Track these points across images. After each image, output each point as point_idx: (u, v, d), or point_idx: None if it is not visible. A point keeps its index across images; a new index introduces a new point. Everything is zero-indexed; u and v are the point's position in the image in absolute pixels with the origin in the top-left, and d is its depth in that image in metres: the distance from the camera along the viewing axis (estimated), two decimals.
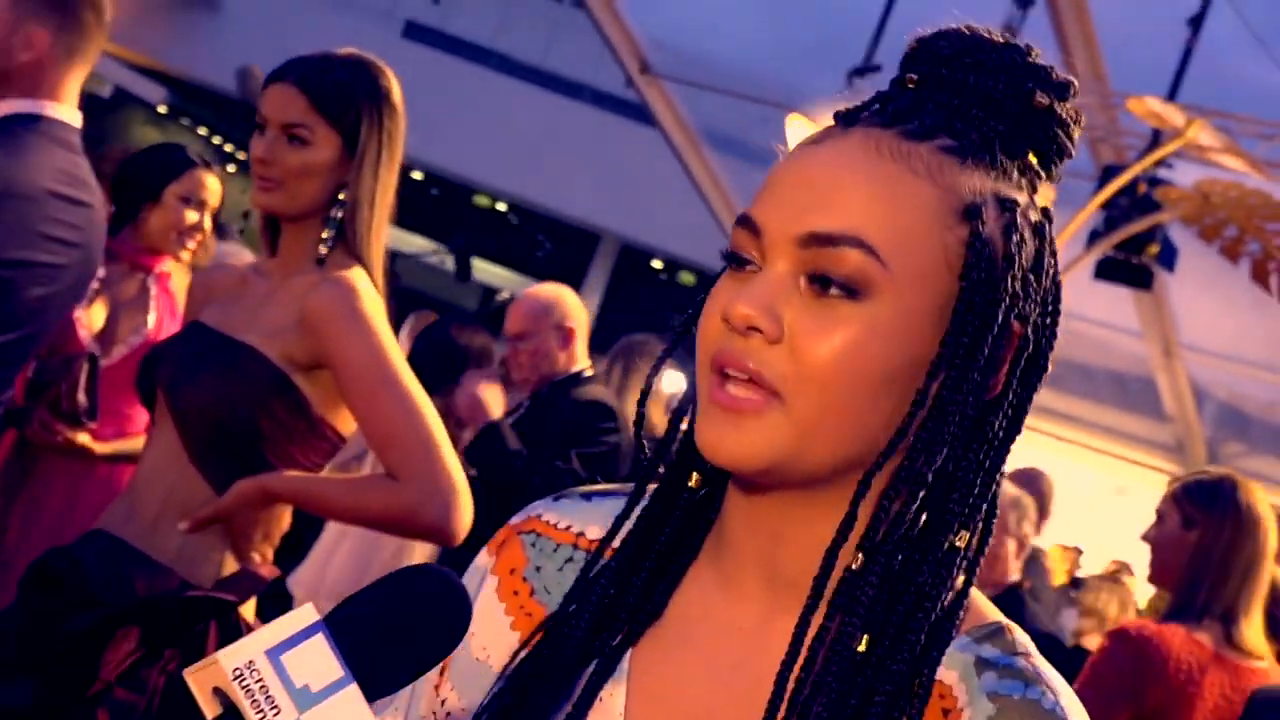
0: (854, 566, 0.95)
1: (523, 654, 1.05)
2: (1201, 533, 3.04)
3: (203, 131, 19.78)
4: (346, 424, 2.31)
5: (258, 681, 0.84)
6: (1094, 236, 6.54)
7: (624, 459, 4.17)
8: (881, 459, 0.95)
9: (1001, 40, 1.00)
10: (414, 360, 4.61)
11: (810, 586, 0.97)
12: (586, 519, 1.11)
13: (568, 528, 1.12)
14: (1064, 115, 1.01)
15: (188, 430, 2.23)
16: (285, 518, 2.33)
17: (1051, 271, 0.99)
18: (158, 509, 2.23)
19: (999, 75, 0.99)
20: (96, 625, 2.09)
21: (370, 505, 2.19)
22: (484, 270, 19.42)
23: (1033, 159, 1.01)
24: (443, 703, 1.10)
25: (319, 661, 0.86)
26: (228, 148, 18.95)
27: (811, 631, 0.96)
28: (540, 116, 17.53)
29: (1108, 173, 6.45)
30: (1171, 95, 6.61)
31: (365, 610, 0.89)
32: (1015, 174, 0.99)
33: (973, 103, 0.99)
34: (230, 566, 2.24)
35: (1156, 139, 6.13)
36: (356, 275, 2.26)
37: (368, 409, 2.19)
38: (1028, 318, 0.97)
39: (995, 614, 1.02)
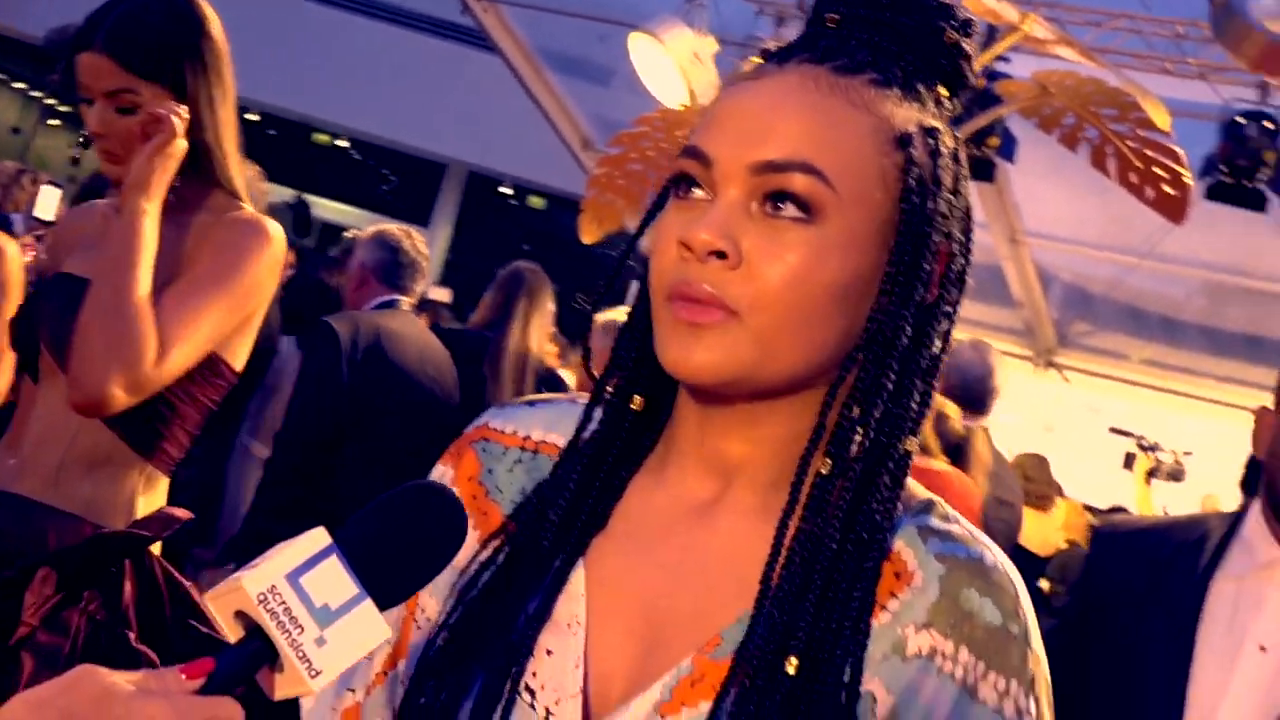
0: (823, 471, 1.04)
1: (487, 551, 1.12)
2: None
3: (20, 85, 19.02)
4: (237, 359, 2.30)
5: (281, 604, 0.89)
6: None
7: None
8: (843, 371, 1.03)
9: None
10: (286, 304, 4.55)
11: (748, 470, 1.07)
12: (530, 423, 1.19)
13: (514, 432, 1.19)
14: (967, 49, 1.10)
15: None
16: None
17: (965, 192, 1.09)
18: (58, 462, 2.19)
19: (913, 13, 1.08)
20: (15, 578, 2.05)
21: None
22: (330, 209, 19.06)
23: (943, 91, 1.10)
24: (423, 610, 1.16)
25: (335, 581, 0.91)
26: (48, 101, 18.28)
27: (790, 534, 1.03)
28: (376, 48, 17.19)
29: None
30: None
31: (371, 528, 0.95)
32: (932, 105, 1.08)
33: (892, 40, 1.07)
34: (141, 511, 2.22)
35: (992, 34, 6.29)
36: (272, 225, 2.25)
37: (170, 295, 2.14)
38: (952, 235, 1.07)
39: (923, 490, 1.12)
